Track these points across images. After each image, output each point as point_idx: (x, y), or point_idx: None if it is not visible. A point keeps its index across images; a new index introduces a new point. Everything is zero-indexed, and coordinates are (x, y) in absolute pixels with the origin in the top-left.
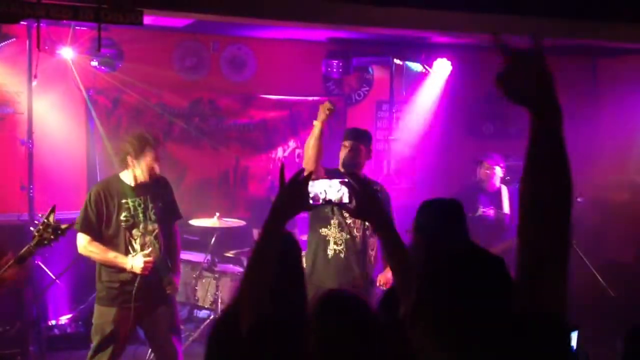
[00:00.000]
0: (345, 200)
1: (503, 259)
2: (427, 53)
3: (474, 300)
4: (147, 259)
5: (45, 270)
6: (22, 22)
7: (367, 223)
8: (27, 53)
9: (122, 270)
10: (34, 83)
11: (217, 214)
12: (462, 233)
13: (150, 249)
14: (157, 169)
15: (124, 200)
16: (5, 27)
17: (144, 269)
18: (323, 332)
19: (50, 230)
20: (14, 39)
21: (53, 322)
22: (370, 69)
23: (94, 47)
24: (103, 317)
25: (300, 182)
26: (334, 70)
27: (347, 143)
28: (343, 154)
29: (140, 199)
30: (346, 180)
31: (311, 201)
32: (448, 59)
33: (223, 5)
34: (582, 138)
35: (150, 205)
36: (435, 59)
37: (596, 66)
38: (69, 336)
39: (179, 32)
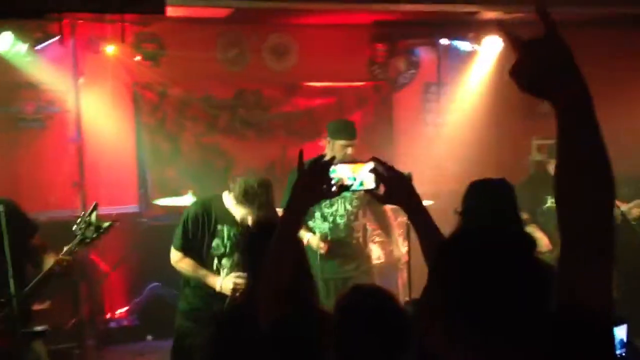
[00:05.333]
0: (370, 186)
1: (533, 244)
2: (475, 31)
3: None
4: (239, 280)
5: (99, 265)
6: (64, 20)
7: (349, 208)
8: (71, 51)
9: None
10: (80, 81)
11: None
12: (513, 216)
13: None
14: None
15: (219, 227)
16: (50, 27)
17: (233, 290)
18: (350, 329)
19: (92, 228)
20: (58, 38)
21: (109, 315)
22: (416, 51)
23: (136, 42)
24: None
25: (321, 166)
26: (380, 54)
27: (346, 142)
28: (343, 153)
29: (237, 229)
30: (372, 164)
31: (333, 188)
32: (498, 37)
33: None
34: (623, 124)
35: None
36: (484, 37)
37: None
38: (125, 329)
39: (220, 23)
